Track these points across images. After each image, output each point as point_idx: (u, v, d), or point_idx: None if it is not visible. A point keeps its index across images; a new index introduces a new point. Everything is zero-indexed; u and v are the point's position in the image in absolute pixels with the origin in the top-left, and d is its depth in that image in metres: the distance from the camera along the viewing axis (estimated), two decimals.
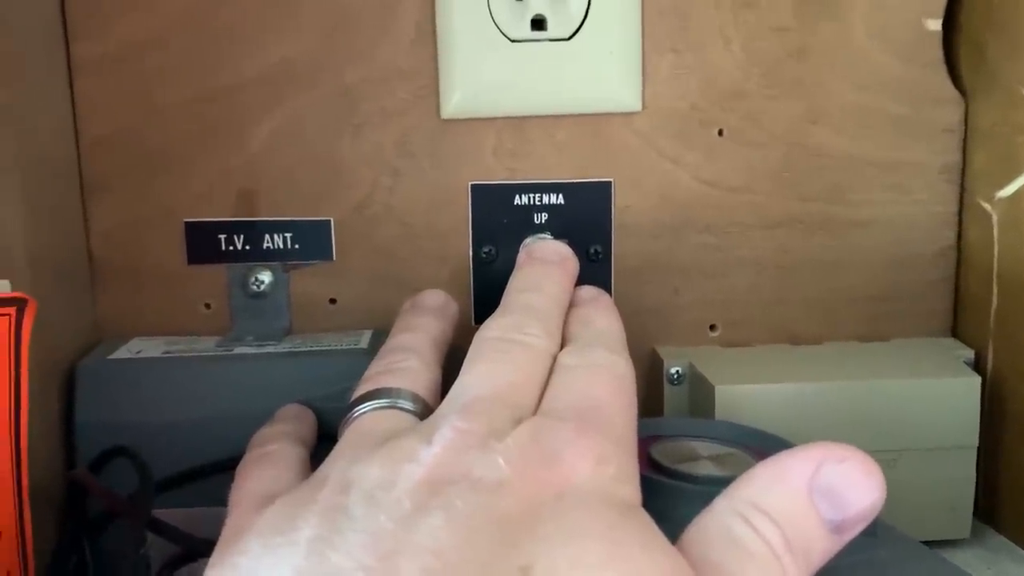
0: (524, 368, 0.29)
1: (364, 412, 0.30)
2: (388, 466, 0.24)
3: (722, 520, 0.24)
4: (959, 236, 0.46)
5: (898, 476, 0.41)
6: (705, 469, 0.33)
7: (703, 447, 0.35)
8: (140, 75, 0.43)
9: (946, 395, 0.41)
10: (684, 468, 0.32)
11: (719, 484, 0.27)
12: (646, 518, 0.24)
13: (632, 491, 0.25)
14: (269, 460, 0.32)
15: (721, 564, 0.23)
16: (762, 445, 0.35)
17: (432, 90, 0.44)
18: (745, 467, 0.31)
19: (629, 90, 0.44)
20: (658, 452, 0.34)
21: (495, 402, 0.27)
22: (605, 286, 0.45)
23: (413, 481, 0.23)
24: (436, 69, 0.44)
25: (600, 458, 0.24)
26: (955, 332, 0.47)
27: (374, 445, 0.26)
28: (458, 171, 0.45)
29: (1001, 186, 0.43)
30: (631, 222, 0.45)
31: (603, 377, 0.29)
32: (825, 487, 0.24)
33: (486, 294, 0.45)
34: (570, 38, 0.43)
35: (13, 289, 0.34)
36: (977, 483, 0.43)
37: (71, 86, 0.43)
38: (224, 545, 0.26)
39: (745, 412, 0.40)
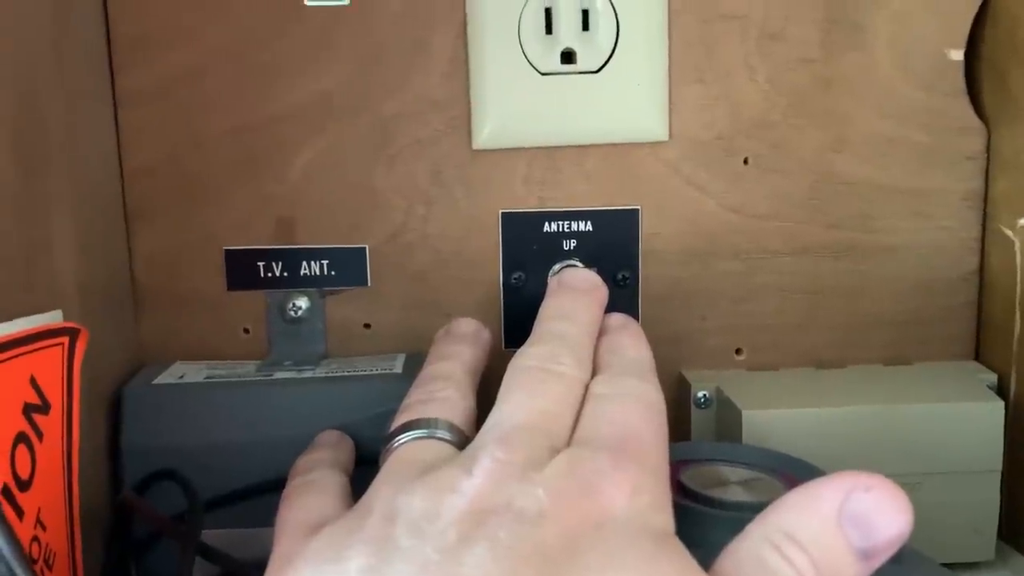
0: (559, 397, 0.30)
1: (404, 442, 0.31)
2: (431, 497, 0.25)
3: (754, 548, 0.24)
4: (982, 262, 0.47)
5: (923, 499, 0.42)
6: (734, 495, 0.33)
7: (732, 472, 0.36)
8: (182, 106, 0.45)
9: (970, 419, 0.42)
10: (714, 494, 0.33)
11: (748, 510, 0.28)
12: (680, 547, 0.25)
13: (666, 520, 0.26)
14: (313, 488, 0.33)
15: None
16: (789, 470, 0.36)
17: (464, 121, 0.45)
18: (773, 492, 0.32)
19: (656, 120, 0.45)
20: (687, 477, 0.35)
21: (532, 432, 0.28)
22: (633, 312, 0.46)
23: (456, 512, 0.24)
24: (468, 101, 0.45)
25: (636, 488, 0.25)
26: (978, 356, 0.48)
27: (416, 475, 0.27)
28: (489, 200, 0.46)
29: (1023, 213, 0.44)
30: (658, 249, 0.46)
31: (635, 406, 0.30)
32: (854, 515, 0.25)
33: (516, 319, 0.46)
34: (599, 70, 0.44)
35: (64, 318, 0.35)
36: (1001, 506, 0.43)
37: (116, 117, 0.45)
38: (273, 573, 0.27)
39: (772, 436, 0.41)
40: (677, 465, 0.36)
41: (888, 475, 0.41)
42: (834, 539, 0.25)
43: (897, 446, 0.42)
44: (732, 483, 0.35)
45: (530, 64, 0.44)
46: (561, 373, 0.31)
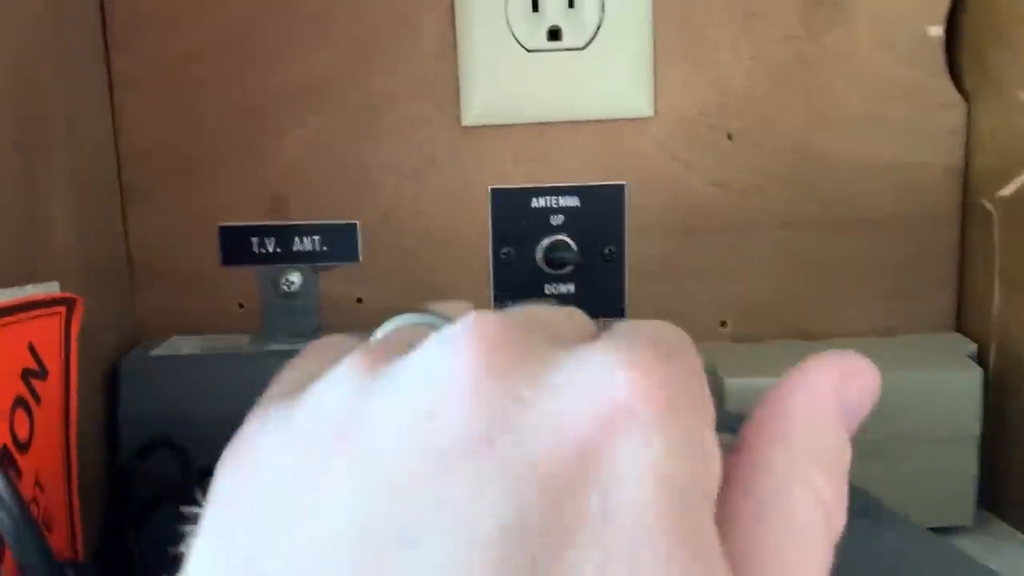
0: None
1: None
2: None
3: (783, 488, 0.20)
4: (963, 235, 0.48)
5: (903, 465, 0.43)
6: None
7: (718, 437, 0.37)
8: (178, 88, 0.46)
9: (949, 387, 0.43)
10: None
11: None
12: None
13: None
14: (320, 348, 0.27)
15: (780, 550, 0.20)
16: None
17: (454, 99, 0.46)
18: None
19: (642, 97, 0.46)
20: None
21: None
22: (619, 285, 0.47)
23: None
24: (457, 79, 0.46)
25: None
26: (960, 328, 0.48)
27: None
28: (479, 176, 0.47)
29: (1001, 186, 0.45)
30: (645, 223, 0.47)
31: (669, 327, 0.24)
32: (846, 405, 0.22)
33: (506, 294, 0.47)
34: (584, 47, 0.45)
35: (61, 290, 0.36)
36: (981, 473, 0.44)
37: (111, 99, 0.46)
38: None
39: (754, 404, 0.42)
40: None
41: (868, 441, 0.42)
42: (844, 445, 0.22)
43: (878, 413, 0.42)
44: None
45: (517, 41, 0.45)
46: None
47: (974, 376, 0.43)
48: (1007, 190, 0.44)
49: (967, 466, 0.43)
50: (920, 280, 0.48)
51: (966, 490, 0.44)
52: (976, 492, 0.44)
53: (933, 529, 0.43)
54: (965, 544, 0.44)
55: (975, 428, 0.43)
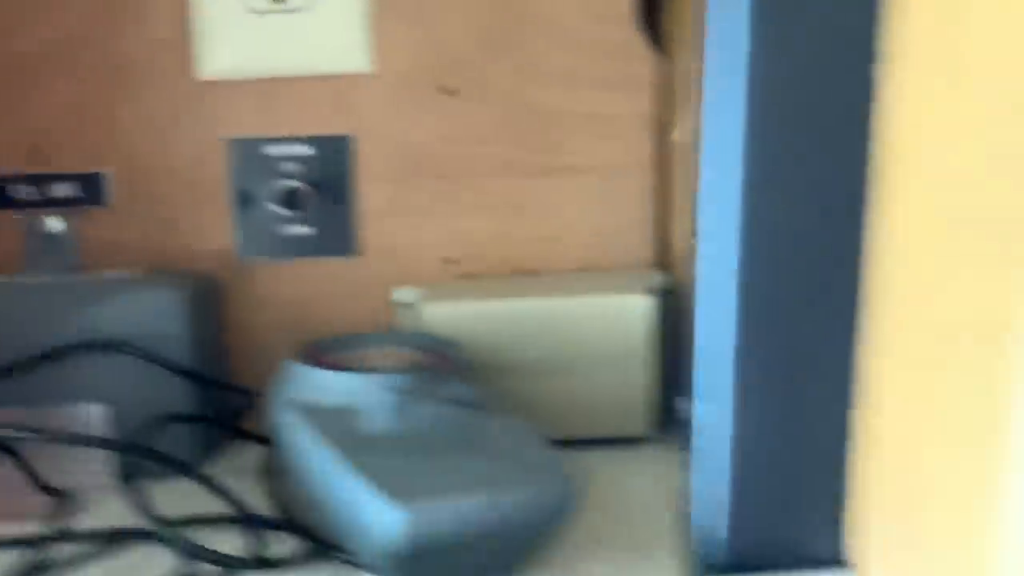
0: None
1: None
2: None
3: None
4: (658, 177, 0.53)
5: (582, 381, 0.49)
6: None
7: (378, 352, 0.42)
8: None
9: (624, 311, 0.48)
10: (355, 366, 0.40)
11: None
12: None
13: None
14: None
15: None
16: (436, 348, 0.43)
17: (191, 57, 0.51)
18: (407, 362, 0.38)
19: (363, 54, 0.51)
20: (335, 357, 0.41)
21: None
22: (350, 231, 0.52)
23: None
24: (194, 38, 0.50)
25: None
26: (659, 264, 0.54)
27: None
28: (216, 127, 0.52)
29: (673, 130, 0.50)
30: (373, 171, 0.52)
31: None
32: None
33: (248, 234, 0.52)
34: (308, 9, 0.50)
35: None
36: (665, 391, 0.50)
37: None
38: None
39: (448, 327, 0.47)
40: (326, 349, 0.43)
41: (554, 360, 0.47)
42: None
43: (559, 333, 0.48)
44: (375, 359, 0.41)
45: (245, 3, 0.50)
46: None
47: (644, 303, 0.48)
48: (677, 134, 0.49)
49: (639, 384, 0.49)
50: (624, 220, 0.54)
51: (640, 405, 0.49)
52: (648, 407, 0.49)
53: (614, 440, 0.49)
54: (646, 453, 0.49)
55: (647, 348, 0.48)
